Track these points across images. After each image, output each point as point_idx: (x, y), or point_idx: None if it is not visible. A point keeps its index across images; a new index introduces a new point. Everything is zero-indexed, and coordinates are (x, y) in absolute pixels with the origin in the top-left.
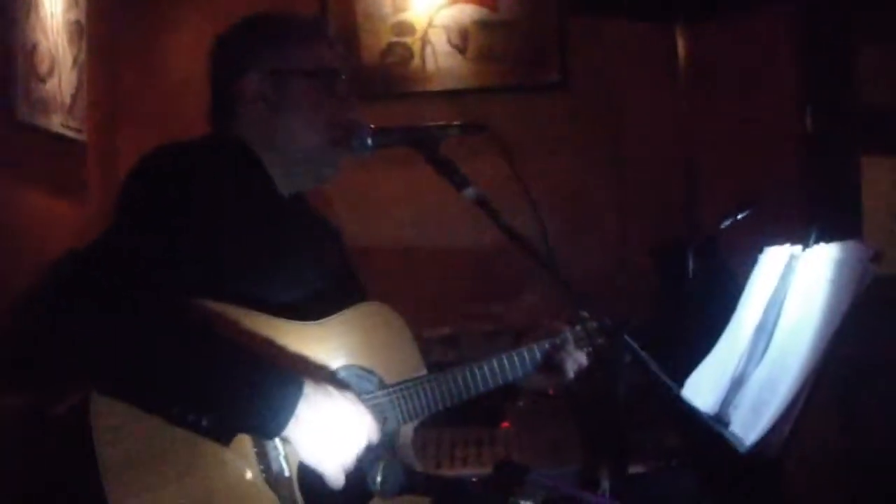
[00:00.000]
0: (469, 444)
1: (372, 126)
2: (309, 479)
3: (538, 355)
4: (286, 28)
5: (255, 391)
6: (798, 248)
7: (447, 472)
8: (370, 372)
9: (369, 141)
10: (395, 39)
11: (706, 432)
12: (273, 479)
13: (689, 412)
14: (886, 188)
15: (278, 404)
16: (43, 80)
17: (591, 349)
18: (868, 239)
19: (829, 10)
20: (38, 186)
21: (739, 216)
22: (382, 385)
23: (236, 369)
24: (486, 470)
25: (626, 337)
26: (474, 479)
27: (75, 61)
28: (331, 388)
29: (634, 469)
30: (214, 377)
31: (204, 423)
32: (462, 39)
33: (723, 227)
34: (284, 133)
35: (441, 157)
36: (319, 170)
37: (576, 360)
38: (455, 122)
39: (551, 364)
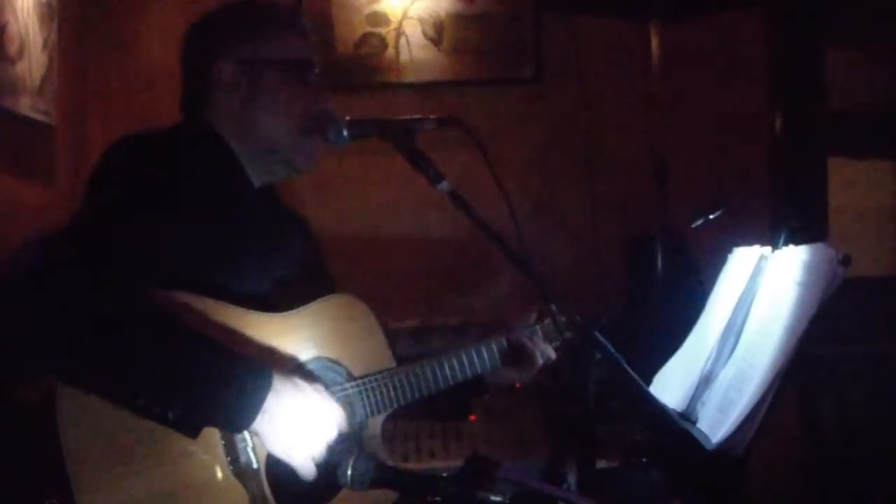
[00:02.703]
0: (436, 437)
1: (347, 117)
2: (277, 471)
3: (506, 348)
4: (261, 17)
5: (223, 383)
6: (767, 249)
7: (414, 464)
8: (338, 364)
9: (345, 132)
10: (369, 30)
11: (673, 429)
12: (241, 471)
13: (657, 409)
14: (853, 190)
15: (246, 397)
16: (12, 62)
17: (559, 344)
18: (833, 240)
19: (798, 15)
20: (6, 169)
21: (710, 216)
22: (350, 377)
23: (203, 360)
24: (453, 462)
25: (596, 332)
26: (444, 474)
27: (46, 43)
28: (299, 381)
29: (601, 464)
30: (181, 368)
31: (170, 415)
32: (437, 31)
33: (693, 226)
34: (257, 123)
35: (416, 150)
36: (292, 160)
37: (544, 353)
38: (430, 116)
39: (519, 357)
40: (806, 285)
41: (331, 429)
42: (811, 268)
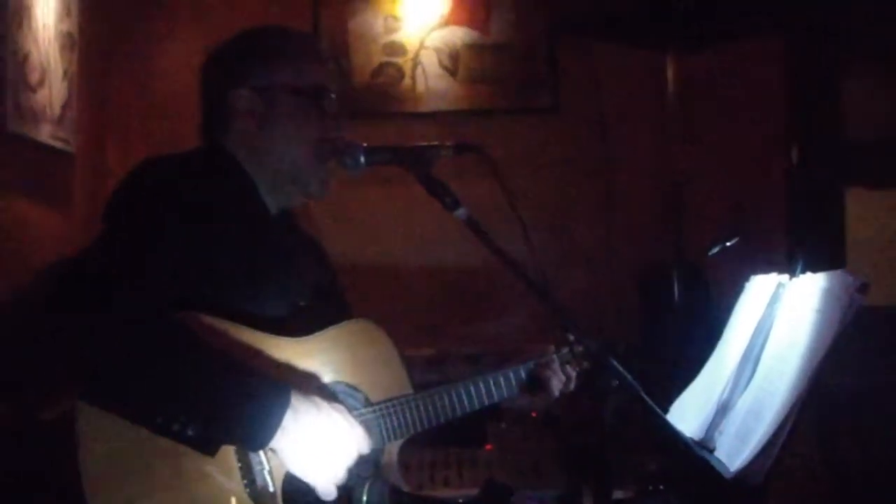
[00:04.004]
0: (451, 465)
1: (364, 144)
2: (293, 494)
3: (523, 376)
4: (277, 44)
5: (243, 401)
6: (785, 276)
7: (429, 492)
8: (356, 389)
9: (362, 159)
10: (386, 59)
11: (691, 458)
12: (257, 493)
13: (675, 437)
14: (870, 220)
15: (265, 415)
16: (33, 91)
17: (576, 372)
18: (851, 269)
19: (816, 46)
20: (25, 196)
21: (727, 243)
22: (368, 402)
23: (223, 379)
24: (468, 491)
25: (613, 361)
26: (460, 500)
27: (66, 72)
28: (318, 400)
29: (617, 494)
30: (201, 386)
31: (189, 432)
32: (453, 61)
33: (711, 254)
34: (273, 149)
35: (433, 177)
36: (308, 186)
37: (561, 380)
38: (447, 143)
39: (536, 384)
40: (824, 313)
41: (351, 450)
42: (829, 295)
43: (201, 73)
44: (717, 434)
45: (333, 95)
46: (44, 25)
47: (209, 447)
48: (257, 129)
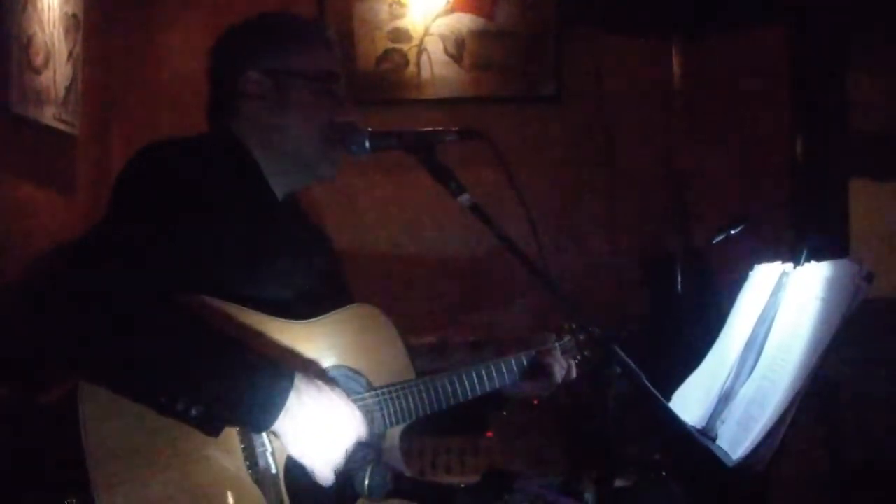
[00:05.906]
0: (452, 453)
1: (370, 129)
2: (295, 476)
3: (525, 363)
4: (287, 29)
5: (246, 382)
6: (789, 265)
7: (429, 478)
8: (358, 373)
9: (367, 144)
10: (391, 46)
11: (693, 446)
12: (259, 475)
13: (677, 425)
14: (874, 212)
15: (269, 396)
16: (37, 72)
17: (578, 360)
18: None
19: (822, 35)
20: (28, 178)
21: (732, 231)
22: (370, 387)
23: (228, 360)
24: (469, 478)
25: (616, 348)
26: (462, 486)
27: (70, 54)
28: (321, 384)
29: (619, 482)
30: (205, 367)
31: (193, 412)
32: (458, 48)
33: (715, 241)
34: (281, 133)
35: (438, 162)
36: (315, 170)
37: (562, 367)
38: (453, 128)
39: (538, 371)
40: (827, 301)
41: (350, 434)
42: (833, 283)
43: (211, 55)
44: (719, 423)
45: (342, 80)
46: (48, 6)
47: (212, 428)
48: (266, 112)
